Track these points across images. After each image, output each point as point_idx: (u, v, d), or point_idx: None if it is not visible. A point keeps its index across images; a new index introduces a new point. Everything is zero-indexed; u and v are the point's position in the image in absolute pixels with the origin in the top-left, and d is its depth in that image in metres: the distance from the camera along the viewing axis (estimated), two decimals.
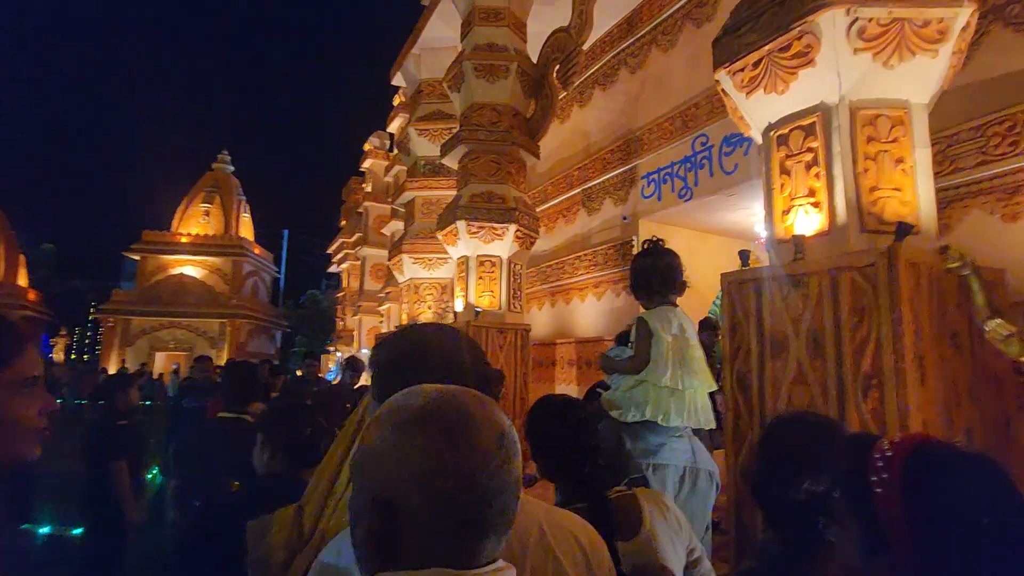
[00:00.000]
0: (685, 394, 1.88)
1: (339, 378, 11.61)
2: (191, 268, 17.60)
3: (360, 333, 12.70)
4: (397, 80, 8.12)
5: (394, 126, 10.58)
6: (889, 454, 0.68)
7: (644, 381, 1.93)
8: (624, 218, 6.07)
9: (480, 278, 5.34)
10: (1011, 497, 0.65)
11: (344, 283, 16.60)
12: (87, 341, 39.95)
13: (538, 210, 6.61)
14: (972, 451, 0.70)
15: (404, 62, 7.49)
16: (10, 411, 0.73)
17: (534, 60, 5.65)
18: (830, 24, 2.25)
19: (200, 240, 17.90)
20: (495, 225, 5.17)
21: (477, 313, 5.14)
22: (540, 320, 7.26)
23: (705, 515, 1.76)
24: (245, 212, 19.54)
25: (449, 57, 6.72)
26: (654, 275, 2.03)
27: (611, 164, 6.36)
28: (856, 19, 2.22)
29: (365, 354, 11.76)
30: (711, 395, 2.03)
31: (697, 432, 2.05)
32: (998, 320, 1.95)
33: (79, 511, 3.35)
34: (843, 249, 2.21)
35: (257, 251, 19.81)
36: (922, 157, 2.34)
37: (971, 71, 2.83)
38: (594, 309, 6.48)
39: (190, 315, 16.75)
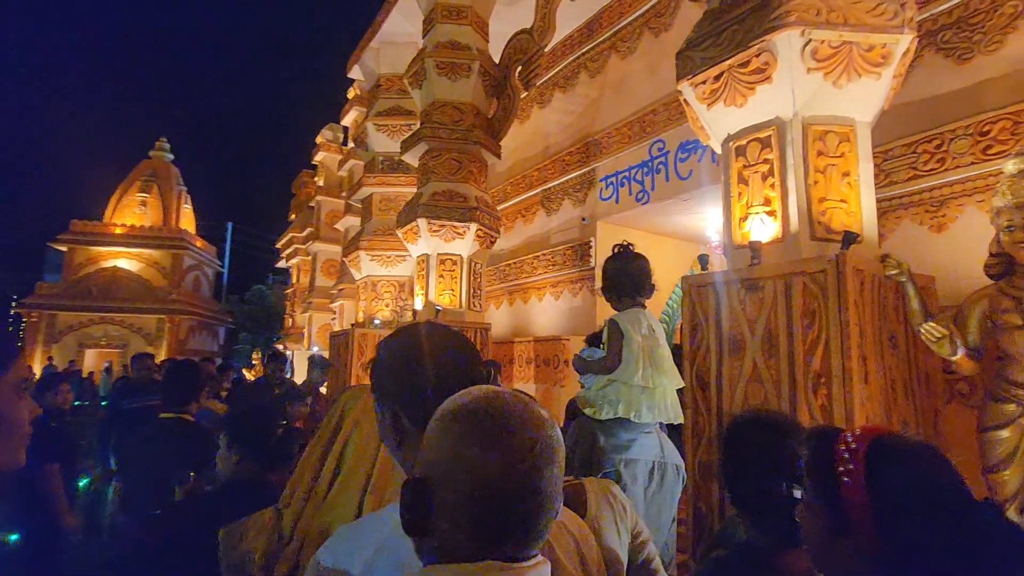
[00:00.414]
0: (656, 392, 1.97)
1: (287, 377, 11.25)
2: (125, 260, 16.58)
3: (310, 330, 12.36)
4: (354, 73, 7.96)
5: (348, 119, 10.35)
6: (853, 446, 0.76)
7: (616, 380, 2.01)
8: (583, 219, 6.19)
9: (441, 276, 5.33)
10: (953, 481, 0.75)
11: (293, 279, 16.09)
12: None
13: (498, 209, 6.65)
14: (920, 440, 0.79)
15: (362, 55, 7.35)
16: (15, 414, 0.71)
17: (496, 60, 5.67)
18: (786, 44, 2.39)
19: (136, 231, 16.88)
20: (456, 224, 5.17)
21: (437, 312, 5.13)
22: (498, 319, 7.31)
23: (672, 507, 1.85)
24: (186, 203, 18.58)
25: (409, 52, 6.64)
26: (625, 278, 2.12)
27: (570, 166, 6.47)
28: (810, 40, 2.37)
29: (316, 352, 11.47)
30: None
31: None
32: (931, 323, 2.14)
33: (11, 517, 3.14)
34: (796, 256, 2.36)
35: (199, 244, 18.88)
36: (865, 171, 2.53)
37: (905, 92, 3.07)
38: (552, 308, 6.58)
39: (124, 310, 15.78)
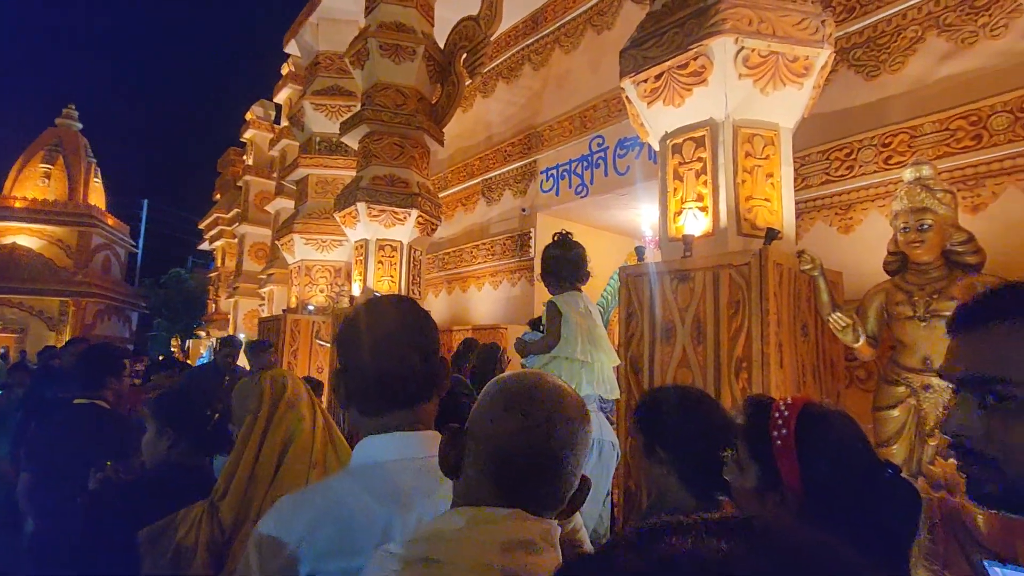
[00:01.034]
0: (594, 366, 2.10)
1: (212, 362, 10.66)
2: (25, 237, 15.02)
3: (236, 316, 11.77)
4: (290, 48, 7.62)
5: (282, 96, 9.91)
6: (786, 413, 0.87)
7: (557, 357, 2.12)
8: (523, 210, 6.27)
9: (380, 263, 5.24)
10: (865, 445, 0.87)
11: (218, 262, 15.23)
12: None
13: (439, 196, 6.60)
14: (841, 410, 0.90)
15: (300, 30, 7.05)
16: None
17: (441, 45, 5.61)
18: (721, 50, 2.54)
19: (38, 206, 15.32)
20: (397, 210, 5.10)
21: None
22: (436, 307, 7.28)
23: (608, 482, 1.97)
24: (96, 177, 17.04)
25: (350, 30, 6.44)
26: (564, 263, 2.22)
27: (512, 157, 6.52)
28: (742, 48, 2.54)
29: (242, 339, 10.94)
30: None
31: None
32: (838, 314, 2.37)
33: None
34: (723, 249, 2.54)
35: (110, 222, 17.40)
36: (786, 174, 2.74)
37: (822, 103, 3.34)
38: (491, 297, 6.64)
39: (23, 292, 14.32)
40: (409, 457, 0.89)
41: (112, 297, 16.78)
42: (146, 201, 26.07)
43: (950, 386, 0.66)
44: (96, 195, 17.07)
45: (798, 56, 2.58)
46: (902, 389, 2.22)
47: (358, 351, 0.93)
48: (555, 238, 2.37)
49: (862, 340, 2.35)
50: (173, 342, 15.07)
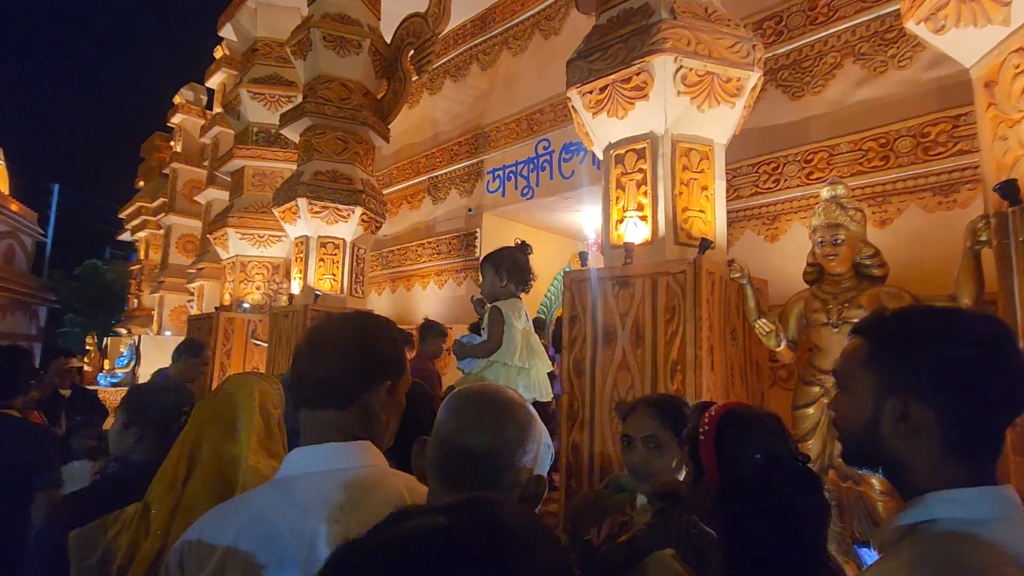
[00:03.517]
0: (531, 372, 2.18)
1: (131, 364, 9.98)
2: None
3: (162, 313, 11.09)
4: (226, 32, 7.26)
5: (215, 81, 9.39)
6: (712, 414, 0.99)
7: (495, 361, 2.18)
8: (469, 210, 6.28)
9: (321, 260, 5.11)
10: (780, 440, 0.99)
11: (140, 254, 14.27)
12: None
13: (383, 193, 6.51)
14: (766, 412, 1.03)
15: (236, 13, 6.73)
16: None
17: (388, 40, 5.53)
18: (662, 67, 2.67)
19: None
20: (340, 206, 4.99)
21: (316, 296, 4.93)
22: (380, 305, 7.18)
23: None
24: None
25: (290, 18, 6.22)
26: (522, 272, 2.31)
27: (459, 156, 6.52)
28: (681, 67, 2.68)
29: (168, 337, 10.33)
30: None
31: None
32: (763, 320, 2.56)
33: None
34: (661, 257, 2.67)
35: (14, 207, 15.88)
36: (720, 187, 2.91)
37: (752, 119, 3.56)
38: (435, 297, 6.62)
39: None
40: (335, 469, 0.89)
41: (15, 290, 15.36)
42: (57, 186, 24.00)
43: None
44: None
45: (731, 77, 2.75)
46: (816, 389, 2.42)
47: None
48: (518, 242, 2.47)
49: (783, 344, 2.55)
50: (88, 339, 14.00)
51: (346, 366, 0.92)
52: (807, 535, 0.88)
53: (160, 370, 3.60)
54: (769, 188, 3.79)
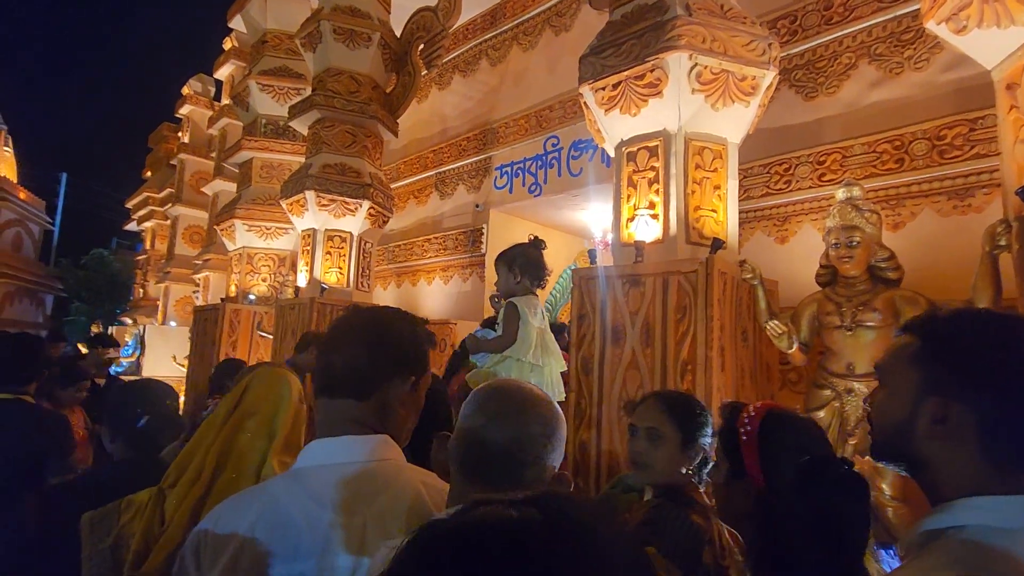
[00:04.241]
0: (544, 369, 2.17)
1: (136, 354, 10.02)
2: None
3: (167, 303, 11.12)
4: (235, 23, 7.25)
5: (223, 73, 9.40)
6: (752, 414, 0.99)
7: (508, 357, 2.17)
8: (477, 206, 6.27)
9: (328, 253, 5.11)
10: (820, 442, 0.99)
11: (147, 244, 14.31)
12: None
13: (391, 188, 6.50)
14: (804, 416, 1.05)
15: (246, 5, 6.72)
16: None
17: (397, 34, 5.51)
18: (676, 64, 2.64)
19: None
20: (348, 200, 4.98)
21: (323, 290, 4.93)
22: (386, 300, 7.17)
23: None
24: (6, 146, 15.60)
25: (300, 10, 6.21)
26: (537, 268, 2.31)
27: (467, 151, 6.50)
28: (696, 64, 2.65)
29: (174, 327, 10.36)
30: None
31: None
32: (774, 321, 2.53)
33: None
34: (673, 256, 2.65)
35: (22, 195, 15.95)
36: (732, 186, 2.89)
37: (764, 119, 3.54)
38: (441, 292, 6.60)
39: None
40: (352, 461, 0.89)
41: (23, 277, 15.45)
42: (65, 175, 24.07)
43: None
44: (7, 165, 15.61)
45: (746, 75, 2.73)
46: (828, 392, 2.40)
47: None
48: (531, 238, 2.45)
49: (795, 346, 2.52)
50: (94, 328, 14.06)
51: (367, 357, 0.92)
52: (851, 542, 0.87)
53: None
54: (780, 189, 3.76)
